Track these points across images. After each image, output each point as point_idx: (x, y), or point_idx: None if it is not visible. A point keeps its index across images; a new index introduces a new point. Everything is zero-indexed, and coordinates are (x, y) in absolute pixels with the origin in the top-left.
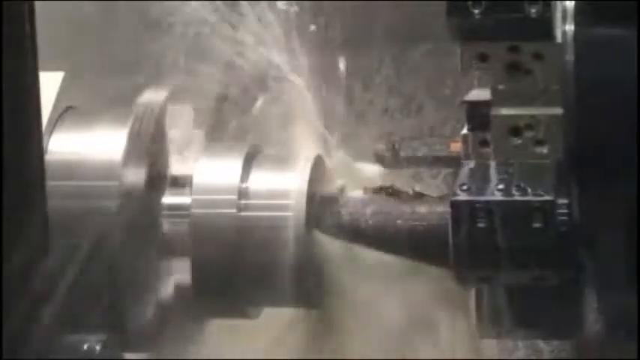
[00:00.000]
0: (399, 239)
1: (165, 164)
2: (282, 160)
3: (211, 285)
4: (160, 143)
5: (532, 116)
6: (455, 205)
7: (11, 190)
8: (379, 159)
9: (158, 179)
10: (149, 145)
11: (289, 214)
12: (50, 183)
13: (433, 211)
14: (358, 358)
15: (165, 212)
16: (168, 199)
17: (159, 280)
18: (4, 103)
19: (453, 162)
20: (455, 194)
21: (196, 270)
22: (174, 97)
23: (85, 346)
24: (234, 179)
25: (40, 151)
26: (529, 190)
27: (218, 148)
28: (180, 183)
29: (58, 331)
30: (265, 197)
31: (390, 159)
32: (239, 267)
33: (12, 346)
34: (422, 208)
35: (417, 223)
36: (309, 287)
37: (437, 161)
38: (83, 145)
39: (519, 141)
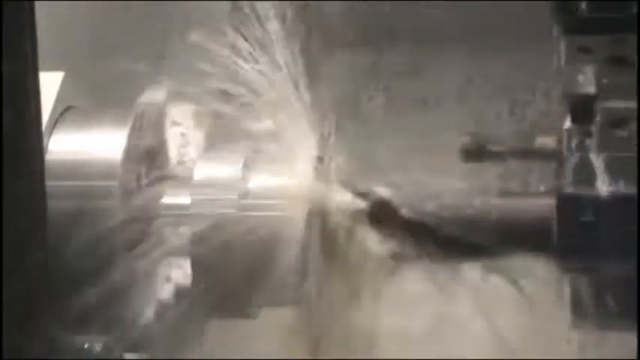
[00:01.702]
0: (501, 231)
1: (165, 164)
2: (283, 160)
3: (211, 285)
4: (160, 143)
5: (637, 109)
6: (561, 198)
7: (11, 190)
8: (464, 153)
9: (158, 179)
10: (149, 145)
11: (290, 214)
12: (50, 183)
13: (537, 203)
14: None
15: (165, 212)
16: (168, 199)
17: (159, 280)
18: (4, 103)
19: (539, 155)
20: (561, 188)
21: (196, 270)
22: (174, 96)
23: (85, 346)
24: (234, 179)
25: (40, 151)
26: (635, 184)
27: (218, 148)
28: (181, 183)
29: (57, 331)
30: (265, 197)
31: (476, 152)
32: (239, 267)
33: (12, 345)
34: (525, 201)
35: (520, 214)
36: (309, 287)
37: (523, 155)
38: (83, 145)
39: (624, 133)
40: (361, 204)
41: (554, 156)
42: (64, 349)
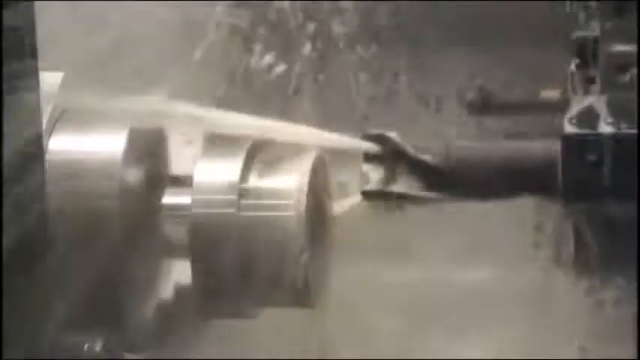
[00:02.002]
0: (507, 173)
1: (165, 164)
2: (283, 160)
3: (211, 285)
4: (160, 143)
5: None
6: (565, 139)
7: (11, 190)
8: (470, 105)
9: (158, 179)
10: (149, 145)
11: (290, 214)
12: (50, 183)
13: (542, 145)
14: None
15: (165, 212)
16: (168, 199)
17: (159, 280)
18: (4, 103)
19: (543, 108)
20: (565, 128)
21: (196, 270)
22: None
23: (85, 346)
24: (234, 179)
25: (40, 151)
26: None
27: (218, 148)
28: (181, 183)
29: (57, 331)
30: (265, 197)
31: (481, 106)
32: (239, 267)
33: (12, 345)
34: (530, 143)
35: (525, 156)
36: (309, 287)
37: (527, 107)
38: (83, 145)
39: (627, 77)
40: (372, 146)
41: (558, 108)
42: (64, 349)
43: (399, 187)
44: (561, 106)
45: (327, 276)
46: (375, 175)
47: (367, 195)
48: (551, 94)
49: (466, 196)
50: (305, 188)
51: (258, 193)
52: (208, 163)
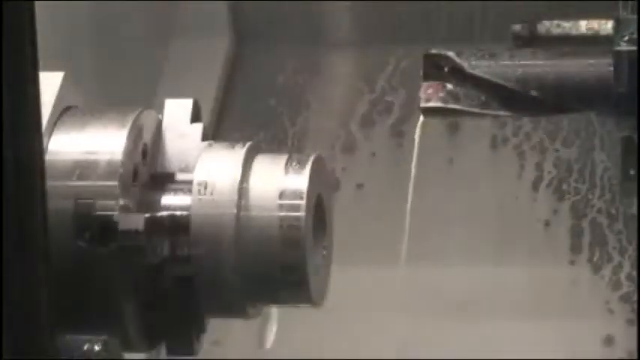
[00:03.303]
0: (561, 88)
1: (165, 164)
2: (283, 160)
3: (211, 285)
4: (160, 143)
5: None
6: (618, 55)
7: (11, 190)
8: (516, 38)
9: (158, 179)
10: (149, 145)
11: (290, 214)
12: (50, 183)
13: (596, 62)
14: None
15: (165, 212)
16: (168, 199)
17: (158, 280)
18: (4, 103)
19: (588, 41)
20: (617, 44)
21: (196, 270)
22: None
23: (85, 346)
24: (234, 179)
25: (40, 151)
26: None
27: (218, 148)
28: (181, 183)
29: (57, 331)
30: (265, 197)
31: (527, 38)
32: (239, 267)
33: (12, 345)
34: (584, 60)
35: (579, 73)
36: (309, 286)
37: (575, 39)
38: (83, 145)
39: None
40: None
41: (606, 41)
42: (64, 349)
43: (457, 103)
44: (609, 38)
45: (329, 275)
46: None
47: (427, 111)
48: (596, 24)
49: (523, 112)
50: (306, 188)
51: (259, 193)
52: (208, 162)
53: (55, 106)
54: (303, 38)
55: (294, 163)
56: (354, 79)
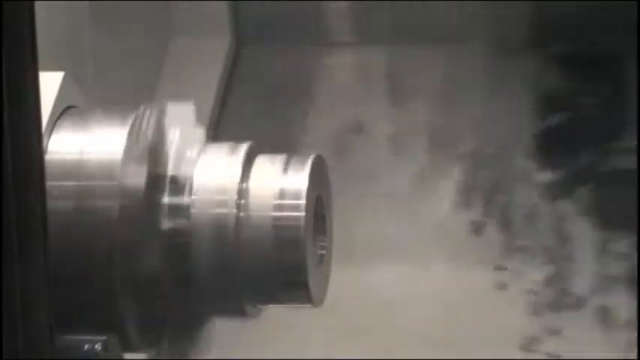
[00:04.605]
0: None
1: (165, 164)
2: (282, 160)
3: (211, 285)
4: (160, 143)
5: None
6: None
7: (11, 190)
8: None
9: (158, 179)
10: (149, 145)
11: (290, 214)
12: (50, 183)
13: None
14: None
15: (165, 212)
16: (168, 199)
17: (159, 280)
18: (4, 103)
19: None
20: None
21: (196, 270)
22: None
23: (85, 346)
24: (234, 179)
25: (40, 151)
26: None
27: (218, 148)
28: (181, 183)
29: (57, 331)
30: (265, 197)
31: None
32: (239, 266)
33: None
34: None
35: None
36: (308, 286)
37: None
38: (83, 145)
39: None
40: None
41: None
42: (64, 349)
43: None
44: None
45: (328, 274)
46: None
47: None
48: None
49: None
50: (305, 188)
51: (259, 193)
52: (208, 163)
53: (55, 106)
54: (304, 38)
55: (293, 164)
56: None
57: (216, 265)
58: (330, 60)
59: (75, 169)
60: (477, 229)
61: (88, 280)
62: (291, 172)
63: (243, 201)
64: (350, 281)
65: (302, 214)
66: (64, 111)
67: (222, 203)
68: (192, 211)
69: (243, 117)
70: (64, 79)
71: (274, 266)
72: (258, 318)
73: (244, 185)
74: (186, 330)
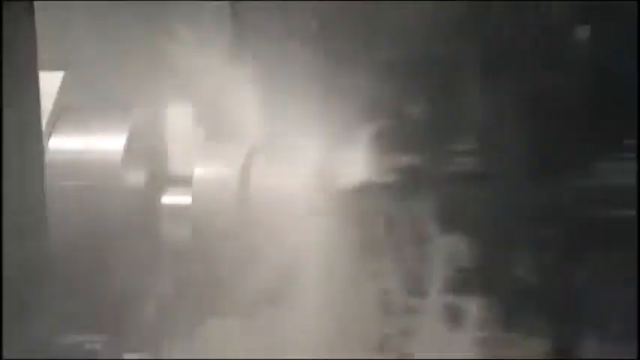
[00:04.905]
0: None
1: (165, 164)
2: (282, 159)
3: (211, 284)
4: (160, 143)
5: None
6: None
7: (11, 190)
8: None
9: (158, 179)
10: (149, 145)
11: (290, 212)
12: (50, 183)
13: None
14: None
15: (165, 212)
16: (168, 199)
17: (159, 280)
18: (4, 104)
19: None
20: None
21: (197, 269)
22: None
23: (85, 346)
24: (234, 179)
25: (40, 151)
26: None
27: (218, 148)
28: (181, 183)
29: (58, 331)
30: (265, 196)
31: None
32: (239, 266)
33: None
34: None
35: None
36: (309, 284)
37: None
38: (83, 145)
39: None
40: None
41: None
42: (64, 349)
43: None
44: None
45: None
46: None
47: None
48: None
49: None
50: (304, 185)
51: (258, 193)
52: (208, 163)
53: (55, 106)
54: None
55: (294, 163)
56: None
57: (217, 264)
58: None
59: (75, 169)
60: None
61: (87, 279)
62: (291, 171)
63: (243, 198)
64: None
65: (304, 212)
66: (64, 111)
67: (222, 203)
68: (193, 210)
69: (239, 118)
70: (64, 79)
71: (277, 265)
72: None
73: (244, 185)
74: (185, 330)
